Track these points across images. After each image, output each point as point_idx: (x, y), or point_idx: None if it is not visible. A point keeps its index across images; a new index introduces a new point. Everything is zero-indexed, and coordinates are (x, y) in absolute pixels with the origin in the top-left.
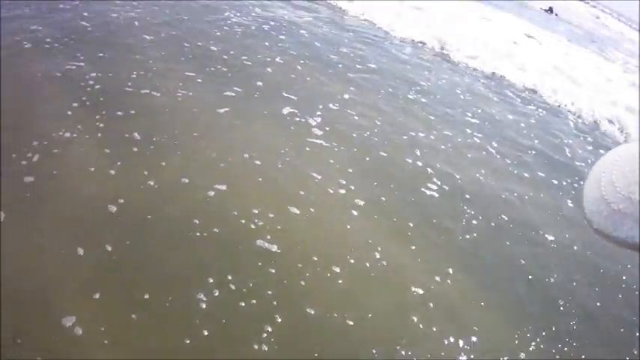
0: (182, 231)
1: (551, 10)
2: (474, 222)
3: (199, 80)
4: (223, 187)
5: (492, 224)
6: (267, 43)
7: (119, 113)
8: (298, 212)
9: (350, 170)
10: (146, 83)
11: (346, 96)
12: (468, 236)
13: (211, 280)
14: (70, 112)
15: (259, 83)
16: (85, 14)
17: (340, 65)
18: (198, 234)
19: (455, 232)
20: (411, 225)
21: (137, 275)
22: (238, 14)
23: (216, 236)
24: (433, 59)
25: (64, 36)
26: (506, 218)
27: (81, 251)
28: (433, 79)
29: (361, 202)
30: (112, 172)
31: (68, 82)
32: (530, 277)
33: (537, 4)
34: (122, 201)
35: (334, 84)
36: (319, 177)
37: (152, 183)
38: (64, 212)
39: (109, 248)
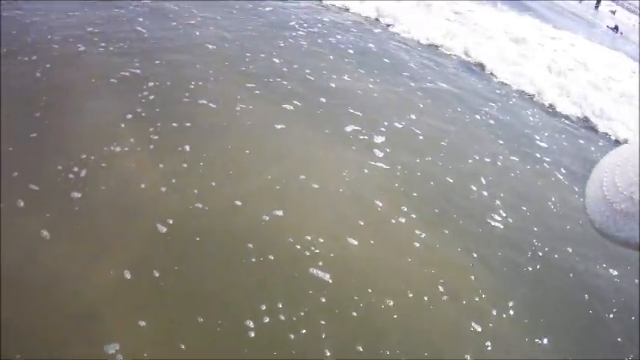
0: (234, 256)
1: (617, 28)
2: (540, 254)
3: (258, 92)
4: (279, 213)
5: (556, 256)
6: (332, 57)
7: (174, 125)
8: (356, 243)
9: (413, 196)
10: (204, 94)
11: (413, 116)
12: (531, 269)
13: (263, 308)
14: (122, 124)
15: (322, 99)
16: (141, 19)
17: (412, 84)
18: (251, 260)
19: (519, 265)
20: (475, 256)
21: (185, 302)
22: (305, 25)
23: (270, 263)
24: (502, 87)
25: (120, 40)
26: (570, 250)
27: (128, 274)
28: (501, 103)
29: (423, 234)
30: (163, 189)
31: (123, 90)
32: (592, 314)
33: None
34: (172, 222)
35: (402, 102)
36: (380, 204)
37: (202, 204)
38: (111, 232)
39: (157, 274)
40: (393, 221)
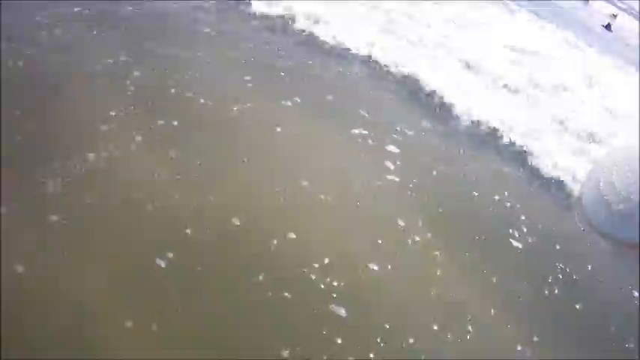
0: (244, 291)
1: (609, 26)
2: (560, 277)
3: (259, 90)
4: (292, 235)
5: (575, 277)
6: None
7: (160, 122)
8: (376, 268)
9: (430, 214)
10: (199, 88)
11: (425, 123)
12: (557, 296)
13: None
14: (104, 127)
15: (330, 97)
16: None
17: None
18: (265, 294)
19: (541, 292)
20: (495, 281)
21: (187, 346)
22: None
23: (285, 301)
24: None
25: (112, 27)
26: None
27: (129, 324)
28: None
29: (443, 257)
30: (151, 207)
31: (107, 85)
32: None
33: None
34: (171, 255)
35: (412, 107)
36: (399, 223)
37: (201, 227)
38: (104, 273)
39: (156, 320)
40: (409, 241)
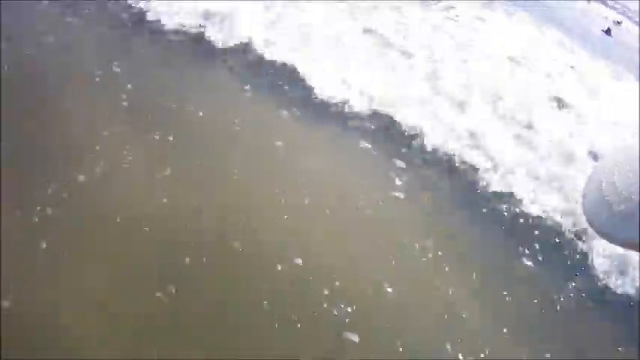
0: (246, 322)
1: (609, 31)
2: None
3: (256, 99)
4: (298, 261)
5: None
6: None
7: (156, 137)
8: (390, 290)
9: (437, 230)
10: (194, 99)
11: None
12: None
13: None
14: (97, 146)
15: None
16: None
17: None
18: (274, 325)
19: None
20: (508, 300)
21: None
22: None
23: (296, 331)
24: None
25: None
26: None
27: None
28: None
29: (454, 277)
30: (147, 228)
31: (100, 95)
32: None
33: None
34: (174, 290)
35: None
36: (408, 242)
37: (200, 254)
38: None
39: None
40: (419, 256)
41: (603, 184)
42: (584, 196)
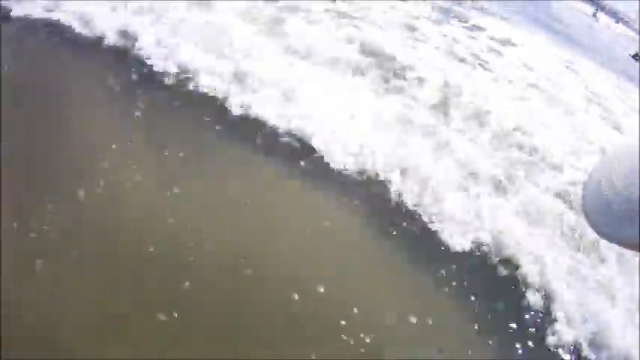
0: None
1: (637, 56)
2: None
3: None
4: (320, 289)
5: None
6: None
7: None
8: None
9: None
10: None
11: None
12: None
13: None
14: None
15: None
16: None
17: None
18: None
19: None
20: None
21: None
22: None
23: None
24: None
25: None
26: None
27: None
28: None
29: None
30: (151, 249)
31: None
32: None
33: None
34: (173, 314)
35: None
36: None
37: (207, 280)
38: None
39: None
40: None
41: (602, 184)
42: (583, 196)
